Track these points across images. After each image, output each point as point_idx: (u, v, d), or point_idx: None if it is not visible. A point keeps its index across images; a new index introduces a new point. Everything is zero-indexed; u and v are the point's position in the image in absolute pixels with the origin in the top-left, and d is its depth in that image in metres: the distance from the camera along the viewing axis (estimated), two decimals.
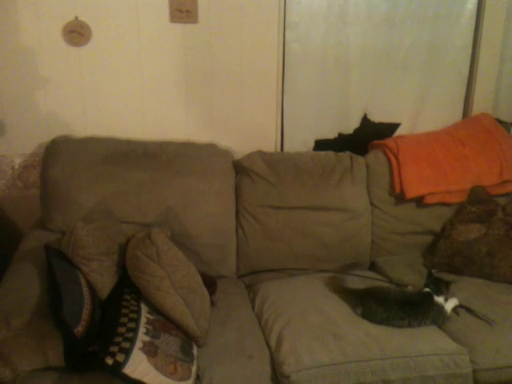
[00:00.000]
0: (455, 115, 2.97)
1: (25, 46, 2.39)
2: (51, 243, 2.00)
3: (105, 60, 2.47)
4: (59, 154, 2.33)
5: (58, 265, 1.79)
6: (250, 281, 2.50)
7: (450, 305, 2.09)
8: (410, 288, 2.25)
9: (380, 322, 2.01)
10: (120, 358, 1.50)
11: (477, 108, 2.95)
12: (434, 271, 2.19)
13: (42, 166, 2.36)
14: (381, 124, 2.90)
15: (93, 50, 2.44)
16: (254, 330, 2.06)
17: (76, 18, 2.38)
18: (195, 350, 1.80)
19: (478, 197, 2.59)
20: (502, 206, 2.58)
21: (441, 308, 2.06)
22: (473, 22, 2.82)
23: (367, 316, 2.05)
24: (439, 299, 2.06)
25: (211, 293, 2.15)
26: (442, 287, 2.09)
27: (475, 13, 2.81)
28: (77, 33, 2.39)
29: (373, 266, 2.63)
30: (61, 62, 2.44)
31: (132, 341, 1.57)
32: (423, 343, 1.93)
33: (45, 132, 2.48)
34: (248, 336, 1.99)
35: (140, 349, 1.56)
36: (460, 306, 2.13)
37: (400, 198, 2.61)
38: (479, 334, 2.00)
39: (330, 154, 2.68)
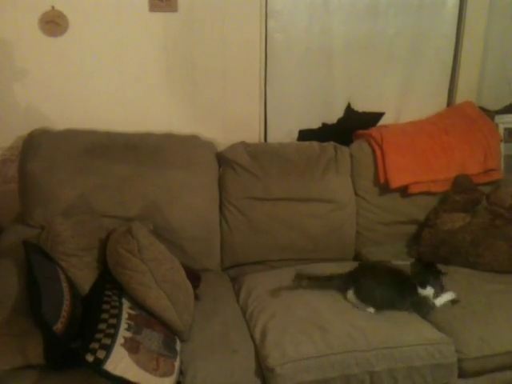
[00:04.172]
0: (439, 104, 2.96)
1: (1, 38, 2.33)
2: (31, 238, 1.97)
3: (83, 50, 2.42)
4: (38, 147, 2.29)
5: (36, 261, 1.76)
6: (234, 273, 2.48)
7: (442, 298, 2.10)
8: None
9: (374, 300, 2.02)
10: (101, 354, 1.47)
11: (461, 97, 2.95)
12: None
13: (20, 159, 2.32)
14: (365, 113, 2.88)
15: (71, 40, 2.39)
16: (238, 323, 2.05)
17: (53, 7, 2.33)
18: (178, 345, 1.78)
19: (462, 186, 2.59)
20: (486, 194, 2.58)
21: (424, 300, 2.05)
22: (456, 11, 2.81)
23: (362, 294, 2.04)
24: (424, 291, 2.05)
25: (195, 286, 2.13)
26: (429, 278, 2.08)
27: (458, 1, 2.79)
28: (54, 23, 2.34)
29: (358, 257, 2.62)
30: (38, 53, 2.39)
31: (113, 337, 1.55)
32: (408, 333, 1.93)
33: (23, 125, 2.42)
34: (232, 329, 1.98)
35: (121, 345, 1.54)
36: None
37: (385, 188, 2.60)
38: (464, 324, 2.00)
39: (314, 144, 2.66)
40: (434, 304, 2.08)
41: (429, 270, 2.12)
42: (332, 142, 2.68)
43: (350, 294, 2.07)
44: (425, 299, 2.06)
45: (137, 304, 1.79)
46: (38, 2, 2.30)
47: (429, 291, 2.06)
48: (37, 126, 2.42)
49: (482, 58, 2.94)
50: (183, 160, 2.42)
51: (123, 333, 1.59)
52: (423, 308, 2.06)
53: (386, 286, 2.05)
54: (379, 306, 2.03)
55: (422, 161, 2.61)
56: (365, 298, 2.04)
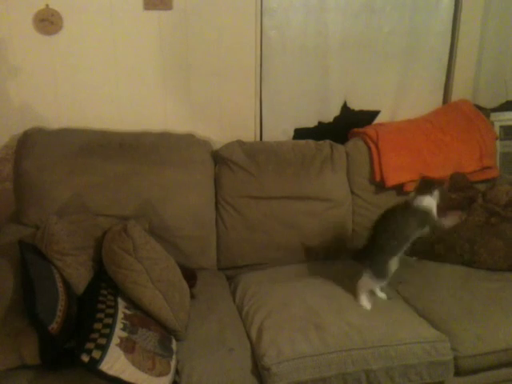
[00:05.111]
0: (435, 102, 2.96)
1: None
2: (26, 238, 1.96)
3: (78, 49, 2.41)
4: (32, 146, 2.28)
5: (31, 261, 1.75)
6: (230, 272, 2.47)
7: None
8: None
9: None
10: (96, 354, 1.47)
11: (456, 95, 2.95)
12: None
13: (15, 158, 2.31)
14: (361, 112, 2.88)
15: (65, 38, 2.38)
16: (234, 322, 2.04)
17: (47, 5, 2.31)
18: (174, 345, 1.78)
19: (458, 183, 2.59)
20: (482, 192, 2.59)
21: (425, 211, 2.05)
22: (452, 9, 2.81)
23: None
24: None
25: (191, 285, 2.13)
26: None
27: None
28: (48, 21, 2.32)
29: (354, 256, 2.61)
30: (32, 51, 2.37)
31: (109, 337, 1.54)
32: (404, 331, 1.93)
33: (17, 124, 2.42)
34: (229, 328, 1.97)
35: (117, 345, 1.54)
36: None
37: (380, 186, 2.60)
38: (460, 321, 2.00)
39: (310, 142, 2.66)
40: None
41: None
42: (328, 141, 2.68)
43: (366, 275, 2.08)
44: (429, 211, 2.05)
45: (132, 303, 1.78)
46: None
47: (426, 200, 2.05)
48: (32, 125, 2.41)
49: (477, 56, 2.94)
50: (179, 158, 2.41)
51: (119, 333, 1.58)
52: (426, 220, 2.05)
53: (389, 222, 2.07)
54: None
55: (418, 159, 2.60)
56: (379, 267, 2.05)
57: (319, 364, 1.79)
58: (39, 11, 2.31)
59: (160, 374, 1.58)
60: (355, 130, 2.79)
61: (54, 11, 2.32)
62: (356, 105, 2.87)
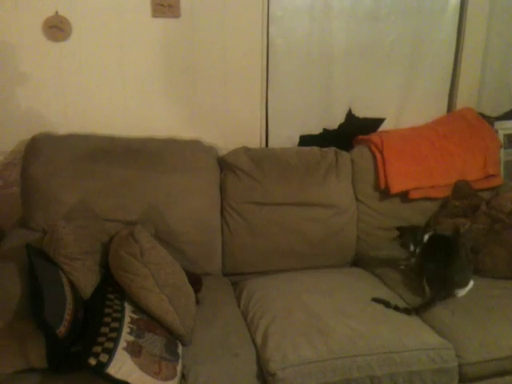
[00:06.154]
0: (440, 110, 2.97)
1: (4, 42, 2.34)
2: (33, 242, 1.96)
3: (86, 55, 2.43)
4: (40, 151, 2.29)
5: (39, 265, 1.76)
6: (235, 278, 2.48)
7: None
8: None
9: None
10: (103, 358, 1.47)
11: (461, 103, 2.96)
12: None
13: (22, 163, 2.33)
14: (365, 119, 2.89)
15: (74, 45, 2.40)
16: (239, 327, 2.05)
17: (56, 12, 2.33)
18: (180, 349, 1.78)
19: (462, 191, 2.60)
20: (485, 200, 2.59)
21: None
22: (456, 16, 2.83)
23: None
24: None
25: (197, 290, 2.13)
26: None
27: (459, 7, 2.81)
28: (57, 28, 2.35)
29: (357, 262, 2.63)
30: (41, 57, 2.39)
31: (115, 341, 1.55)
32: (409, 338, 1.93)
33: (25, 129, 2.43)
34: (234, 333, 1.98)
35: (124, 349, 1.54)
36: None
37: (385, 193, 2.61)
38: (464, 329, 2.00)
39: (315, 149, 2.67)
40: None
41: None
42: (333, 148, 2.69)
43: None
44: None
45: (139, 308, 1.79)
46: (42, 6, 2.31)
47: None
48: (39, 131, 2.43)
49: (482, 65, 2.96)
50: (185, 164, 2.43)
51: (125, 336, 1.59)
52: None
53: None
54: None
55: (423, 166, 2.62)
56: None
57: (324, 369, 1.80)
58: (48, 18, 2.34)
59: (166, 378, 1.59)
60: (360, 137, 2.80)
61: (63, 18, 2.34)
62: (361, 112, 2.88)
